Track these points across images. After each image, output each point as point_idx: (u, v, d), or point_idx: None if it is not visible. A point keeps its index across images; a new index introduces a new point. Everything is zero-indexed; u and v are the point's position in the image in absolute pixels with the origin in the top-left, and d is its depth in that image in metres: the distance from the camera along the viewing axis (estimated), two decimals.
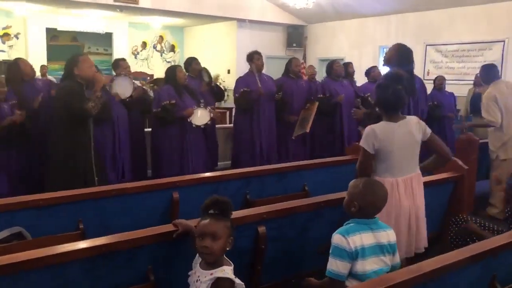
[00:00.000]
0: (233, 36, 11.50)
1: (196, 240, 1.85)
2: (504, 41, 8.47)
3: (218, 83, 5.96)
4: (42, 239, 2.54)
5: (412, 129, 2.69)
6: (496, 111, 4.62)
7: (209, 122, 5.15)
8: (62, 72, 4.30)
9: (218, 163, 6.23)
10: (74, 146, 3.84)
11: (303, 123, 5.85)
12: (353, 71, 6.77)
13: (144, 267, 2.16)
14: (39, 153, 4.50)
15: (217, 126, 6.21)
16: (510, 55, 8.26)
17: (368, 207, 2.19)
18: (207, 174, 3.54)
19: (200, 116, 5.08)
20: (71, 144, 3.82)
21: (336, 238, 2.12)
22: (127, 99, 4.95)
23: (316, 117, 5.89)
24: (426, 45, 9.39)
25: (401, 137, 2.64)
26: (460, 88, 7.66)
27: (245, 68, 6.08)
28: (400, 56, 3.79)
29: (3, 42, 11.08)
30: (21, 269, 1.89)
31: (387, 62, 3.84)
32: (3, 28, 11.01)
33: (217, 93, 6.05)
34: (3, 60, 10.46)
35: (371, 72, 6.80)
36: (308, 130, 5.80)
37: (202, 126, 5.07)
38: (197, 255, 1.92)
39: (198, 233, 1.85)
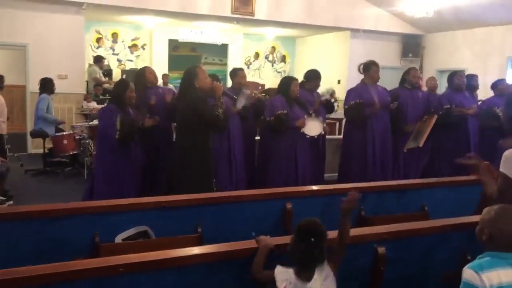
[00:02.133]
0: (345, 46, 11.33)
1: None
2: None
3: (334, 99, 5.86)
4: (165, 239, 2.69)
5: None
6: None
7: (322, 133, 5.11)
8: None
9: (325, 175, 6.13)
10: (206, 153, 4.10)
11: (417, 136, 5.50)
12: (477, 85, 6.22)
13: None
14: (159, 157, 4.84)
15: (327, 137, 6.13)
16: None
17: (501, 237, 1.94)
18: (321, 187, 3.50)
19: (312, 127, 5.07)
20: (203, 150, 4.08)
21: (468, 273, 1.90)
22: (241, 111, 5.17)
23: (440, 130, 5.51)
24: None
25: None
26: None
27: (356, 79, 5.91)
28: None
29: (132, 52, 12.12)
30: (148, 268, 2.00)
31: None
32: (132, 40, 12.05)
33: (328, 107, 5.95)
34: (131, 68, 11.46)
35: (498, 85, 6.22)
36: (421, 145, 5.43)
37: (315, 137, 5.04)
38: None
39: None
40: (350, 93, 5.63)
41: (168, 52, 12.20)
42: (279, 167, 5.20)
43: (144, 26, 11.57)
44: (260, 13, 9.66)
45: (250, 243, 2.21)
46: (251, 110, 5.36)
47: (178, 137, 4.31)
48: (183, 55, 12.58)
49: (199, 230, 2.80)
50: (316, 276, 1.99)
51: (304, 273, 2.01)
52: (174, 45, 12.32)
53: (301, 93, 5.43)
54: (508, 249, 1.95)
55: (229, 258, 2.16)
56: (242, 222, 2.99)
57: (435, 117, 5.48)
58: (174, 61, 12.33)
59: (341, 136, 6.89)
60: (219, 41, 12.47)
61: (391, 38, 11.40)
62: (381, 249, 2.32)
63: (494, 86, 6.27)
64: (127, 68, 11.74)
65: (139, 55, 12.15)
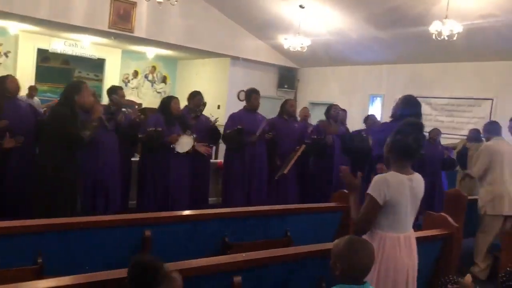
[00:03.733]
0: (225, 72, 11.50)
1: None
2: (492, 100, 8.56)
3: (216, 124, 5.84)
4: None
5: (420, 185, 2.52)
6: (482, 165, 4.64)
7: (190, 150, 5.01)
8: (51, 94, 4.26)
9: (210, 199, 6.05)
10: (64, 170, 3.86)
11: (286, 165, 5.72)
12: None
13: None
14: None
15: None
16: (498, 113, 8.32)
17: (352, 270, 1.96)
18: (185, 213, 3.34)
19: (183, 143, 4.99)
20: (60, 168, 3.84)
21: None
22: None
23: (311, 159, 5.80)
24: (416, 97, 9.44)
25: (410, 191, 2.45)
26: (447, 142, 7.64)
27: (236, 104, 6.01)
28: (411, 104, 3.80)
29: None
30: None
31: (394, 114, 3.81)
32: None
33: (214, 135, 5.90)
34: None
35: (368, 119, 6.85)
36: (286, 172, 5.64)
37: (184, 153, 4.99)
38: None
39: None
40: (231, 118, 5.67)
41: (35, 62, 11.20)
42: (154, 189, 5.03)
43: (9, 31, 10.50)
44: (139, 30, 9.36)
45: (100, 275, 1.95)
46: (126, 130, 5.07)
47: (39, 153, 4.15)
48: (54, 67, 11.66)
49: (39, 260, 2.45)
50: None
51: None
52: (43, 55, 11.37)
53: (184, 112, 5.46)
54: (358, 282, 1.98)
55: None
56: (94, 252, 2.71)
57: (303, 147, 5.75)
58: (43, 73, 11.36)
59: (218, 160, 6.92)
60: (94, 55, 11.81)
61: (269, 69, 11.86)
62: (237, 279, 2.23)
63: (365, 120, 6.92)
64: None
65: (1, 63, 10.96)
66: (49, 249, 2.51)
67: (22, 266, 2.38)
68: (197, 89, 6.09)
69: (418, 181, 2.52)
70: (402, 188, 2.41)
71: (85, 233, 2.68)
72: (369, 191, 2.40)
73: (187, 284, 2.19)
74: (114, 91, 5.14)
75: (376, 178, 2.42)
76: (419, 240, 3.07)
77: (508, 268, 2.36)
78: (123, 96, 5.22)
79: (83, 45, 11.44)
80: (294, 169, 5.81)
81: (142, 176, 5.20)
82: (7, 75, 4.88)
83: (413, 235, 2.54)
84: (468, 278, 2.30)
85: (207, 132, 5.75)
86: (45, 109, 7.33)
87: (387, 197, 2.37)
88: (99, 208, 4.57)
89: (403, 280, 2.43)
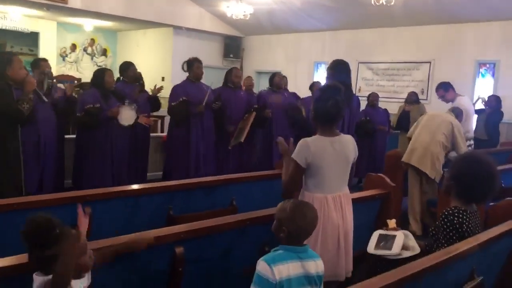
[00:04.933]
0: (169, 43, 11.21)
1: None
2: (430, 62, 8.89)
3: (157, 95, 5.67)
4: None
5: (346, 146, 2.61)
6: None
7: (133, 123, 4.90)
8: None
9: (148, 174, 5.93)
10: (5, 150, 3.73)
11: (240, 134, 5.72)
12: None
13: None
14: None
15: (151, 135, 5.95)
16: (436, 75, 8.67)
17: (297, 232, 2.03)
18: (126, 187, 3.27)
19: (126, 116, 4.85)
20: (4, 147, 3.72)
21: (261, 265, 1.95)
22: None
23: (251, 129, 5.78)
24: (358, 63, 9.65)
25: (334, 153, 2.54)
26: (388, 105, 7.90)
27: (181, 75, 5.87)
28: (338, 69, 3.88)
29: None
30: None
31: (329, 77, 3.91)
32: None
33: (154, 103, 5.77)
34: None
35: (313, 86, 6.93)
36: (242, 140, 5.66)
37: (129, 127, 4.84)
38: None
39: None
40: (174, 90, 5.53)
41: None
42: (93, 166, 4.88)
43: None
44: (74, 1, 8.89)
45: (16, 259, 1.88)
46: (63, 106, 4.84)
47: None
48: None
49: None
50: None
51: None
52: None
53: (120, 86, 5.30)
54: (299, 243, 2.05)
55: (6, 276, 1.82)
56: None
57: (254, 114, 5.76)
58: None
59: (163, 134, 6.79)
60: (27, 29, 11.13)
61: (214, 38, 11.67)
62: (179, 250, 2.23)
63: (311, 87, 6.98)
64: None
65: None
66: None
67: None
68: (140, 61, 5.90)
69: (344, 142, 2.61)
70: (323, 150, 2.51)
71: (19, 214, 2.57)
72: (293, 155, 2.53)
73: (128, 257, 2.18)
74: (37, 64, 4.83)
75: (299, 143, 2.53)
76: (358, 200, 3.20)
77: (437, 222, 2.51)
78: (49, 67, 4.88)
79: (13, 18, 10.74)
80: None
81: (79, 154, 5.02)
82: None
83: (344, 196, 2.63)
84: (392, 222, 2.54)
85: (147, 102, 5.62)
86: None
87: (308, 159, 2.49)
88: (34, 187, 4.39)
89: (334, 239, 2.53)
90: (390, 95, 9.14)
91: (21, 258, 1.86)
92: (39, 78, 4.53)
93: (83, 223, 1.86)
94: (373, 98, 7.07)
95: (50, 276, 1.63)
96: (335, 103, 2.54)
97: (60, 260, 1.58)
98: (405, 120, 7.08)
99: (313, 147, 2.49)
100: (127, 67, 5.63)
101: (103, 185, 4.51)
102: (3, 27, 10.87)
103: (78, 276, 1.72)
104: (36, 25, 11.32)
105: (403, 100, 7.66)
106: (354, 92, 5.23)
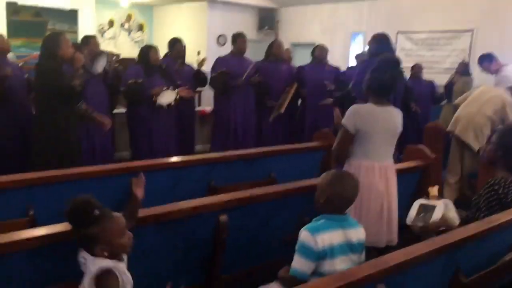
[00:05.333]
0: (203, 17, 11.22)
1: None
2: (472, 31, 8.56)
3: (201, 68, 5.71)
4: None
5: (395, 118, 2.66)
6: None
7: (172, 104, 5.00)
8: (25, 49, 4.18)
9: (196, 147, 6.09)
10: (63, 125, 3.92)
11: (280, 105, 5.77)
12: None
13: None
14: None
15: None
16: (478, 45, 8.35)
17: (336, 199, 2.07)
18: (171, 159, 3.40)
19: (165, 96, 4.95)
20: (59, 123, 3.90)
21: (304, 235, 2.00)
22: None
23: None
24: (397, 33, 9.40)
25: (384, 122, 2.61)
26: (428, 76, 7.69)
27: (215, 49, 5.95)
28: (383, 43, 3.87)
29: None
30: None
31: (371, 52, 3.89)
32: None
33: (200, 79, 5.78)
34: None
35: (358, 57, 6.82)
36: (282, 111, 5.71)
37: (165, 106, 4.94)
38: None
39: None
40: (217, 61, 5.65)
41: (6, 16, 10.78)
42: (139, 141, 5.06)
43: None
44: None
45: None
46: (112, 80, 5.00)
47: (36, 110, 4.17)
48: (25, 20, 11.22)
49: (31, 213, 2.53)
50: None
51: None
52: (13, 8, 10.92)
53: (165, 61, 5.36)
54: (340, 211, 2.10)
55: (60, 240, 1.97)
56: None
57: (295, 85, 5.79)
58: (14, 27, 10.94)
59: (202, 108, 6.94)
60: (67, 6, 11.38)
61: (248, 11, 11.59)
62: (223, 218, 2.34)
63: (357, 57, 6.86)
64: None
65: None
66: (40, 202, 2.57)
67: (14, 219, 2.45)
68: (175, 36, 5.96)
69: (393, 113, 2.64)
70: (373, 118, 2.54)
71: (74, 184, 2.74)
72: (342, 121, 2.60)
73: (176, 225, 2.30)
74: (87, 40, 5.01)
75: (349, 109, 2.56)
76: (398, 171, 3.20)
77: (480, 191, 2.51)
78: (97, 44, 5.05)
79: None
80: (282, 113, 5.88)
81: (131, 129, 5.19)
82: None
83: (390, 166, 2.67)
84: (434, 190, 2.53)
85: (192, 78, 5.66)
86: (21, 64, 7.15)
87: (358, 125, 2.53)
88: (90, 159, 4.58)
89: (377, 207, 2.58)
90: (430, 66, 8.88)
91: None
92: (90, 55, 4.70)
93: (139, 191, 1.98)
94: (417, 70, 6.84)
95: (103, 264, 1.74)
96: (391, 76, 2.59)
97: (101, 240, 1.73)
98: (449, 91, 6.86)
99: (363, 113, 2.57)
100: (174, 43, 5.68)
101: (151, 157, 4.68)
102: (45, 5, 11.15)
103: (120, 257, 1.82)
104: (75, 2, 11.54)
105: (443, 71, 7.42)
106: None
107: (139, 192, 2.09)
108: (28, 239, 1.92)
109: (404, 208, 3.49)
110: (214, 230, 2.36)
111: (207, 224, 2.35)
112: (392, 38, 9.30)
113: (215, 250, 2.38)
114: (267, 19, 11.82)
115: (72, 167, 3.88)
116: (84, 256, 1.77)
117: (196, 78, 5.68)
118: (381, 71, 2.62)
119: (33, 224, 2.46)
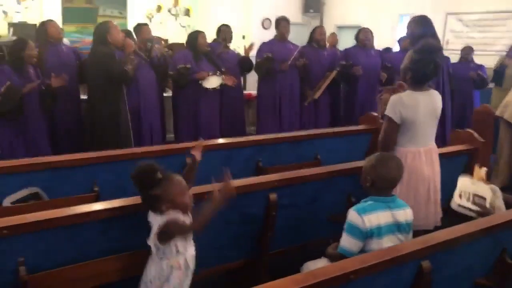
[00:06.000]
0: (249, 0, 11.28)
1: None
2: None
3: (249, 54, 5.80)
4: (58, 200, 2.61)
5: (436, 101, 2.67)
6: None
7: (218, 87, 5.13)
8: (78, 34, 4.44)
9: (247, 129, 6.23)
10: (117, 108, 4.21)
11: (316, 90, 5.81)
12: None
13: None
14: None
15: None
16: None
17: (381, 181, 2.15)
18: (220, 141, 3.56)
19: (211, 80, 5.10)
20: (115, 105, 4.19)
21: (352, 215, 2.10)
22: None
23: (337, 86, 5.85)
24: (447, 14, 9.11)
25: (426, 107, 2.63)
26: (480, 59, 7.45)
27: (260, 33, 6.02)
28: (424, 25, 3.76)
29: (19, 3, 11.00)
30: (39, 228, 1.95)
31: (411, 36, 3.80)
32: None
33: (246, 64, 5.85)
34: (19, 21, 10.42)
35: (403, 41, 6.67)
36: (316, 97, 5.75)
37: (210, 89, 5.10)
38: None
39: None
40: (261, 47, 5.74)
41: (61, 3, 11.25)
42: (184, 123, 5.25)
43: None
44: None
45: (132, 200, 2.20)
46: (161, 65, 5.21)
47: (89, 94, 4.43)
48: (77, 7, 11.67)
49: (96, 189, 2.75)
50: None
51: None
52: None
53: (213, 46, 5.49)
54: (387, 193, 2.18)
55: (124, 213, 2.16)
56: None
57: (334, 73, 5.79)
58: (67, 14, 11.41)
59: (246, 92, 7.06)
60: None
61: None
62: (273, 196, 2.47)
63: (399, 41, 6.72)
64: (15, 21, 10.66)
65: (27, 7, 11.06)
66: (104, 179, 2.79)
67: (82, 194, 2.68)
68: (220, 21, 6.08)
69: (434, 96, 2.66)
70: (416, 104, 2.57)
71: (133, 163, 2.93)
72: (386, 112, 2.60)
73: (231, 201, 2.44)
74: (139, 29, 5.19)
75: (392, 98, 2.59)
76: (445, 155, 3.22)
77: None
78: (149, 32, 5.24)
79: None
80: (326, 97, 5.92)
81: (175, 112, 5.40)
82: (47, 21, 4.87)
83: (434, 148, 2.70)
84: (481, 172, 2.63)
85: (238, 64, 5.77)
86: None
87: (402, 115, 2.55)
88: (146, 141, 4.87)
89: (425, 191, 2.63)
90: (482, 48, 8.58)
91: (136, 199, 2.19)
92: (142, 42, 4.91)
93: (198, 153, 2.12)
94: (465, 52, 6.67)
95: (170, 215, 1.94)
96: (434, 68, 2.59)
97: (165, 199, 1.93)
98: (499, 75, 6.64)
99: (406, 102, 2.58)
100: (220, 29, 5.81)
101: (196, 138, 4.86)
102: None
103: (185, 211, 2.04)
104: None
105: (496, 53, 7.16)
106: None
107: (198, 154, 2.24)
108: (96, 211, 2.11)
109: (449, 193, 3.51)
110: (265, 208, 2.49)
111: (258, 202, 2.48)
112: (441, 20, 9.09)
113: (265, 226, 2.52)
114: (312, 2, 11.72)
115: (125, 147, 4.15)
116: (152, 215, 1.99)
117: (242, 64, 5.79)
118: (425, 63, 2.60)
119: (97, 199, 2.68)
